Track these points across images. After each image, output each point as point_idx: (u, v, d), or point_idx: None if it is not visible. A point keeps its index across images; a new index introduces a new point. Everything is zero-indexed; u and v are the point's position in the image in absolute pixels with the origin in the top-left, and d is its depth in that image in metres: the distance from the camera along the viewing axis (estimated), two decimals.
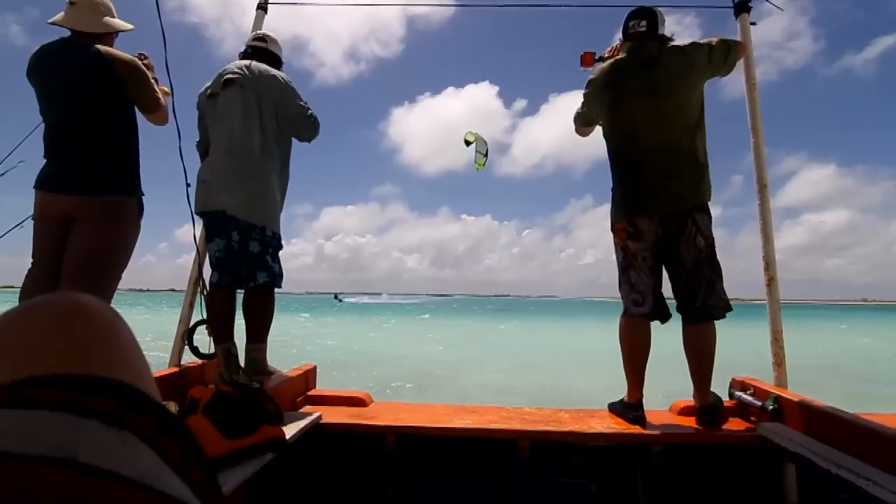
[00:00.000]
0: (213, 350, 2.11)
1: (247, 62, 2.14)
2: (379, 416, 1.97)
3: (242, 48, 2.31)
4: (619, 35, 2.19)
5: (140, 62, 2.06)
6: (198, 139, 2.25)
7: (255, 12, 2.74)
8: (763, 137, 2.24)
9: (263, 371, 2.09)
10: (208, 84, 2.17)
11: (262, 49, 2.26)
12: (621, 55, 2.09)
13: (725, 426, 1.95)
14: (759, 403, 1.93)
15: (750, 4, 2.43)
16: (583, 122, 2.26)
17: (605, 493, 1.90)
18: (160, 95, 2.11)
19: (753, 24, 2.41)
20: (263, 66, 2.13)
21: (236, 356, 2.07)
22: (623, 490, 1.88)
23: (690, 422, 1.98)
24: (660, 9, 2.08)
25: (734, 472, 1.89)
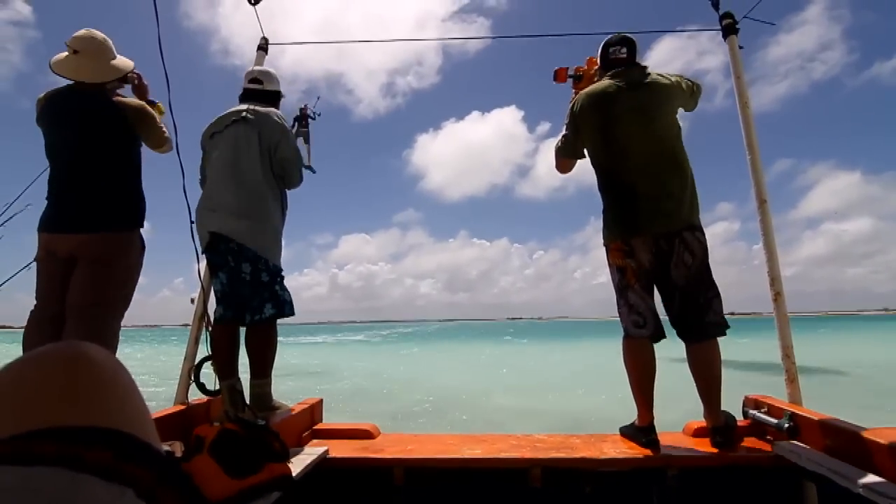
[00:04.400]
0: (218, 387, 2.10)
1: (250, 105, 2.19)
2: (386, 448, 1.94)
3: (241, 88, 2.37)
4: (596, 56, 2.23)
5: (147, 106, 2.14)
6: (200, 177, 2.29)
7: (255, 52, 2.84)
8: (759, 155, 2.25)
9: (269, 406, 2.07)
10: (212, 123, 2.23)
11: (259, 91, 2.31)
12: (605, 80, 2.10)
13: (741, 446, 1.91)
14: (775, 422, 1.89)
15: (738, 27, 2.49)
16: (565, 154, 2.20)
17: None
18: (164, 131, 2.18)
19: (741, 47, 2.47)
20: (265, 109, 2.18)
21: (241, 392, 2.05)
22: None
23: (705, 443, 1.93)
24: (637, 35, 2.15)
25: (752, 493, 1.84)
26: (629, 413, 2.07)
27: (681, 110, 2.12)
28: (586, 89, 2.14)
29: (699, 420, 2.03)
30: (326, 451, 1.84)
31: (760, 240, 2.18)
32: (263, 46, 2.85)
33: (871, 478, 1.41)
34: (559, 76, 2.38)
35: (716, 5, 2.56)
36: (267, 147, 2.12)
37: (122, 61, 2.16)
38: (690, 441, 2.00)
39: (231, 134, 2.13)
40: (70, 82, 2.07)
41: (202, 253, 2.14)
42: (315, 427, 2.20)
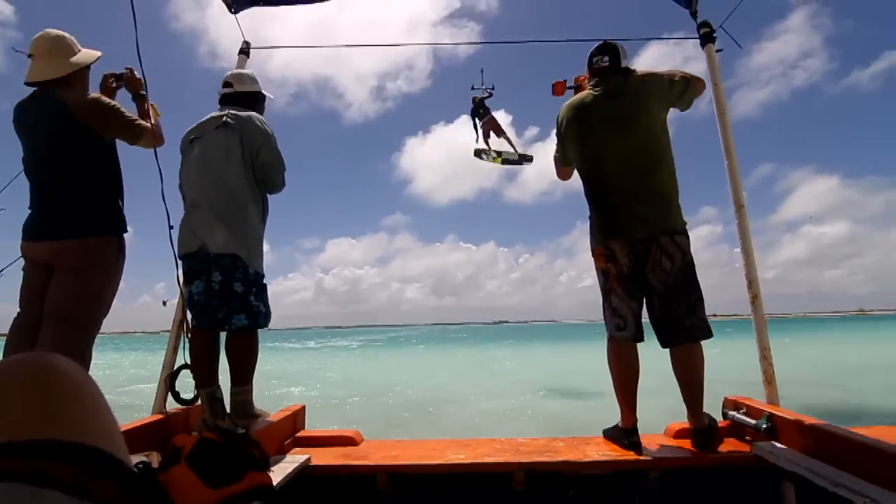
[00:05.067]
0: (198, 395, 2.06)
1: (230, 110, 2.16)
2: (369, 455, 1.93)
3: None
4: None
5: (103, 99, 2.02)
6: (179, 183, 2.25)
7: (237, 56, 2.81)
8: (737, 160, 2.30)
9: (250, 414, 2.04)
10: (192, 128, 2.19)
11: (233, 94, 2.26)
12: (586, 90, 2.16)
13: (721, 447, 1.93)
14: (753, 422, 1.92)
15: (714, 35, 2.55)
16: (561, 163, 2.30)
17: None
18: (145, 119, 2.08)
19: (720, 50, 2.52)
20: (246, 113, 2.15)
21: (221, 400, 2.02)
22: None
23: (686, 444, 1.96)
24: (622, 43, 2.17)
25: (732, 493, 1.86)
26: (615, 415, 2.09)
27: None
28: (568, 101, 2.21)
29: (682, 422, 2.06)
30: (308, 459, 1.82)
31: (738, 244, 2.22)
32: (245, 50, 2.82)
33: (848, 477, 1.44)
34: (557, 90, 2.40)
35: (694, 14, 2.62)
36: (249, 152, 2.09)
37: (84, 55, 2.05)
38: (672, 442, 2.02)
39: (212, 139, 2.09)
40: (34, 89, 2.02)
41: (180, 258, 2.11)
42: (297, 434, 2.17)
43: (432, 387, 11.21)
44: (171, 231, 2.09)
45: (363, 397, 9.95)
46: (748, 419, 1.96)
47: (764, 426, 1.86)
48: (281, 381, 12.73)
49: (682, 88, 2.08)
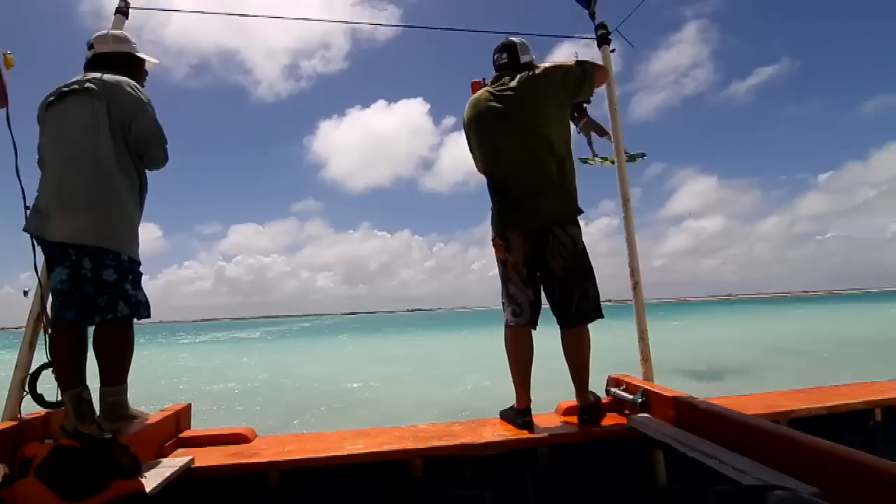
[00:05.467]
0: (61, 398, 1.82)
1: (95, 74, 1.90)
2: (261, 452, 1.84)
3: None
4: None
5: None
6: (38, 157, 1.95)
7: (113, 16, 2.49)
8: (624, 157, 2.48)
9: (125, 416, 1.85)
10: (49, 93, 1.91)
11: (100, 57, 2.00)
12: (485, 87, 2.24)
13: (605, 421, 2.10)
14: (630, 397, 2.11)
15: (610, 37, 2.70)
16: (475, 159, 2.34)
17: (498, 500, 1.94)
18: None
19: (613, 51, 2.69)
20: (115, 78, 1.90)
21: (90, 402, 1.81)
22: (515, 494, 1.94)
23: (574, 420, 2.10)
24: (523, 39, 2.24)
25: (612, 463, 2.03)
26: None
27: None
28: (469, 99, 2.28)
29: (571, 400, 2.20)
30: (192, 461, 1.70)
31: (623, 235, 2.41)
32: (123, 10, 2.50)
33: (704, 442, 1.63)
34: (474, 88, 2.41)
35: (592, 16, 2.76)
36: (119, 122, 1.85)
37: None
38: (562, 419, 2.16)
39: (72, 107, 1.83)
40: None
41: (38, 243, 1.85)
42: (181, 435, 2.01)
43: (342, 377, 11.01)
44: (28, 212, 1.82)
45: (264, 392, 9.54)
46: (627, 395, 2.14)
47: (639, 400, 2.05)
48: (169, 378, 11.81)
49: (578, 76, 2.12)
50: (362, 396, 8.39)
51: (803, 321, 25.84)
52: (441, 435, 1.96)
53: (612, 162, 2.54)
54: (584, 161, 2.67)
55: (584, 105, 2.36)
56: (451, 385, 9.17)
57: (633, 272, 2.35)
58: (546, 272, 2.09)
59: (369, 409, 7.38)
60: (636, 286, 2.33)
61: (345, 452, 1.81)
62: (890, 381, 2.50)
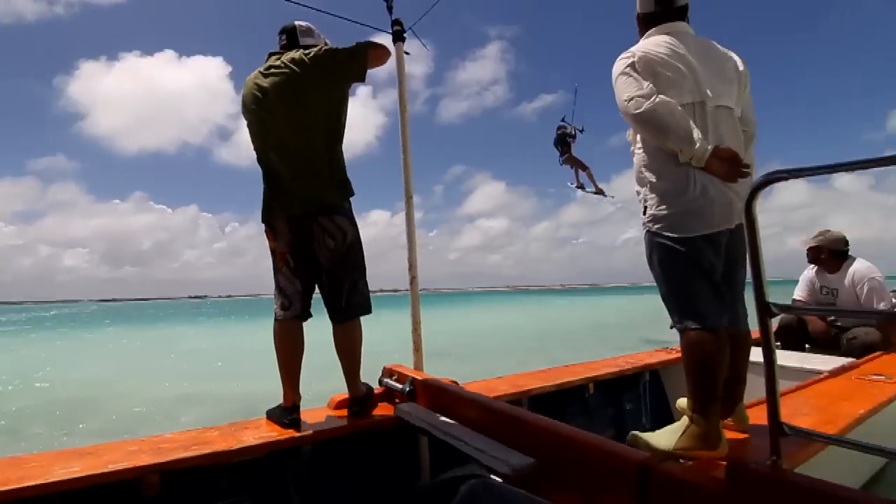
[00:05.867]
0: None
1: None
2: None
3: None
4: None
5: None
6: None
7: None
8: (411, 155, 2.56)
9: None
10: None
11: None
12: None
13: (376, 412, 2.14)
14: (400, 387, 2.20)
15: (405, 35, 2.76)
16: None
17: None
18: None
19: (408, 53, 2.75)
20: None
21: None
22: (277, 497, 1.84)
23: (344, 414, 2.09)
24: (311, 24, 2.16)
25: (380, 453, 2.08)
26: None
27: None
28: None
29: (345, 393, 2.19)
30: None
31: (405, 230, 2.49)
32: None
33: (454, 425, 1.78)
34: None
35: (389, 9, 2.78)
36: None
37: None
38: (333, 413, 2.13)
39: None
40: None
41: None
42: None
43: (82, 381, 9.07)
44: None
45: None
46: (397, 384, 2.23)
47: (407, 389, 2.15)
48: None
49: (348, 53, 1.98)
50: (110, 402, 7.08)
51: (563, 310, 31.23)
52: (189, 444, 1.73)
53: (601, 193, 2.63)
54: (580, 188, 2.73)
55: (569, 141, 2.40)
56: (240, 382, 8.42)
57: (412, 266, 2.45)
58: (313, 264, 2.01)
59: (124, 417, 6.27)
60: (413, 280, 2.44)
61: (52, 479, 1.45)
62: (600, 361, 3.15)
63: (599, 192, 2.99)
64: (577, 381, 2.67)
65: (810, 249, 3.76)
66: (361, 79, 2.04)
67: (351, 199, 2.07)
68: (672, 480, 1.13)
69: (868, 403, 2.15)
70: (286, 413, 1.97)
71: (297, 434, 1.88)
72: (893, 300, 3.54)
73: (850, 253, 3.67)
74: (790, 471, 1.07)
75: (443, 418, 1.88)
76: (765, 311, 1.03)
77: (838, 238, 3.65)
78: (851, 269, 3.56)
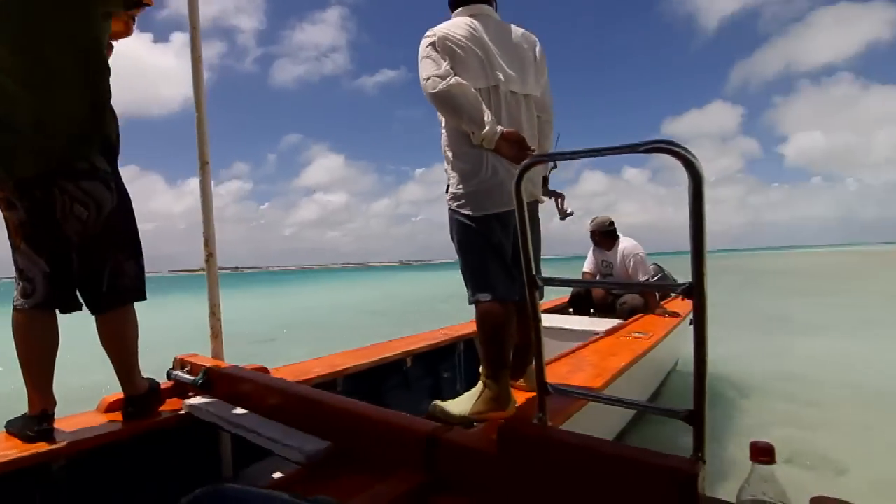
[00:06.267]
0: None
1: None
2: None
3: None
4: None
5: None
6: None
7: None
8: (206, 113, 2.23)
9: None
10: None
11: None
12: None
13: (160, 410, 1.85)
14: (192, 378, 1.94)
15: None
16: None
17: None
18: None
19: None
20: None
21: None
22: None
23: (118, 417, 1.77)
24: None
25: (168, 456, 1.82)
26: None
27: None
28: None
29: (119, 392, 1.85)
30: None
31: (199, 200, 2.18)
32: None
33: (248, 415, 1.63)
34: None
35: None
36: None
37: None
38: (103, 418, 1.79)
39: None
40: None
41: None
42: None
43: None
44: None
45: None
46: (188, 376, 1.96)
47: (200, 381, 1.91)
48: None
49: None
50: None
51: (403, 286, 31.91)
52: None
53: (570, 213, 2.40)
54: (567, 215, 2.51)
55: (545, 177, 2.08)
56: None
57: (208, 242, 2.16)
58: (60, 238, 1.59)
59: None
60: (210, 258, 2.16)
61: None
62: (419, 335, 3.24)
63: (569, 213, 3.29)
64: (394, 356, 2.70)
65: (590, 232, 4.47)
66: (121, 6, 1.68)
67: (113, 157, 1.64)
68: (455, 447, 1.18)
69: (629, 356, 2.58)
70: (32, 423, 1.58)
71: (47, 447, 1.52)
72: (652, 271, 4.35)
73: (625, 234, 4.42)
74: (553, 427, 1.19)
75: (238, 410, 1.71)
76: (532, 283, 1.11)
77: (604, 221, 4.45)
78: (621, 247, 4.31)
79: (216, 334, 2.15)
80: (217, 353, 2.14)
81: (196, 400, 1.83)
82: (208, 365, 1.97)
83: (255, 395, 1.71)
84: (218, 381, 1.89)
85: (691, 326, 0.91)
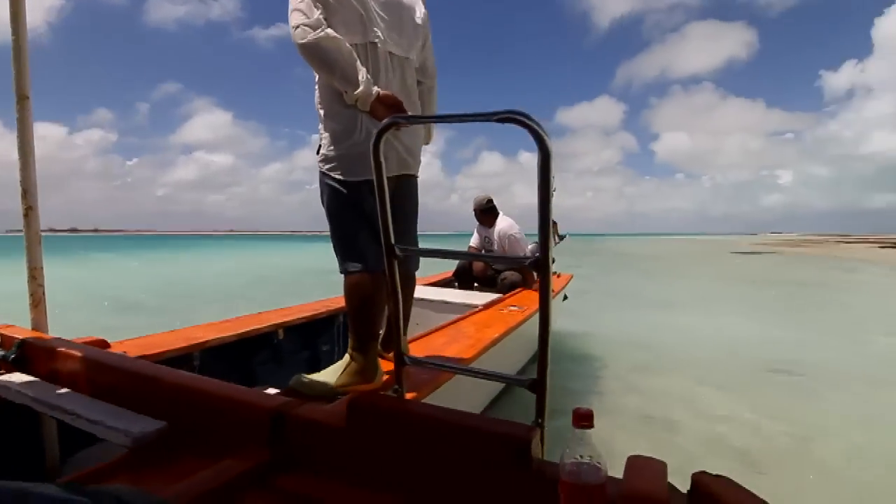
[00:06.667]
0: None
1: None
2: None
3: None
4: None
5: None
6: None
7: None
8: (26, 38, 1.84)
9: None
10: None
11: None
12: None
13: None
14: (2, 353, 1.64)
15: None
16: None
17: None
18: None
19: None
20: None
21: None
22: None
23: None
24: None
25: None
26: None
27: None
28: None
29: None
30: None
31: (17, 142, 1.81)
32: None
33: (68, 395, 1.41)
34: None
35: None
36: None
37: None
38: None
39: None
40: None
41: None
42: None
43: None
44: None
45: None
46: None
47: (12, 356, 1.62)
48: None
49: None
50: None
51: (289, 256, 30.40)
52: None
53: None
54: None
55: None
56: None
57: (27, 194, 1.81)
58: None
59: None
60: (29, 211, 1.81)
61: None
62: (295, 307, 3.09)
63: (562, 237, 3.23)
64: (264, 328, 2.54)
65: (473, 210, 4.63)
66: None
67: None
68: (303, 422, 1.12)
69: (503, 328, 2.69)
70: None
71: None
72: (530, 250, 4.59)
73: (516, 215, 4.61)
74: (407, 399, 1.17)
75: (60, 389, 1.48)
76: (391, 253, 1.06)
77: (482, 200, 4.65)
78: (498, 227, 4.50)
79: (37, 302, 1.83)
80: (39, 325, 1.82)
81: (6, 377, 1.55)
82: (23, 337, 1.67)
83: (82, 372, 1.49)
84: (36, 357, 1.62)
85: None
